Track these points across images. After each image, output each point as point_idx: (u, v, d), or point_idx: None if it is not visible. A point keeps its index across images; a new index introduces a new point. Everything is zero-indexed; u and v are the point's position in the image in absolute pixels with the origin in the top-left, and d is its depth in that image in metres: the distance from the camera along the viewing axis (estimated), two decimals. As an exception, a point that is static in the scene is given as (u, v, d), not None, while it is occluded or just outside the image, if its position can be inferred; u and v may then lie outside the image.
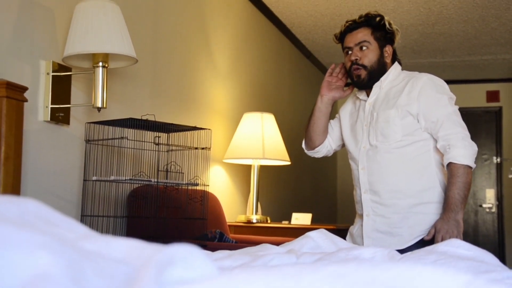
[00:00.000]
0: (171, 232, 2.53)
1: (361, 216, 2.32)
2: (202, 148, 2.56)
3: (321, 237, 1.55)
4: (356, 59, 2.29)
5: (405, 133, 2.22)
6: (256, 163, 3.79)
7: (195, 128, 2.56)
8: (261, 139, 3.63)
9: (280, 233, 3.61)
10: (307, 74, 5.92)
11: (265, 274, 0.51)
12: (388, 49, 2.32)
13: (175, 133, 2.65)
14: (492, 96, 6.83)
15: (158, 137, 2.48)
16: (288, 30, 5.22)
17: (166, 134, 2.64)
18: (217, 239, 2.83)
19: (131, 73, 2.86)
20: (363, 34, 2.30)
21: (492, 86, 6.82)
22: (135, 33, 2.72)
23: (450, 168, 2.13)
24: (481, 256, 1.08)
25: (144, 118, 2.37)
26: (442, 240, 2.06)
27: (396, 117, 2.22)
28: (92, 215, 2.39)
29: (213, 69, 3.74)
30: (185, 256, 0.52)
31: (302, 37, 5.43)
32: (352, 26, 2.33)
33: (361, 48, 2.29)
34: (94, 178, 2.38)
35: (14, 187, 2.02)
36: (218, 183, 3.72)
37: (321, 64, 6.25)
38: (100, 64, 2.29)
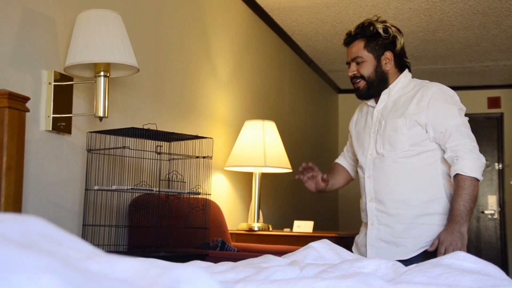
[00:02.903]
0: (173, 241, 2.52)
1: (366, 224, 2.32)
2: (204, 157, 2.56)
3: (325, 248, 1.55)
4: (354, 74, 2.32)
5: (412, 143, 2.21)
6: (257, 171, 3.79)
7: (196, 137, 2.55)
8: (262, 147, 3.63)
9: (282, 241, 3.60)
10: (308, 81, 5.92)
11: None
12: (388, 55, 2.30)
13: (176, 142, 2.64)
14: (493, 102, 6.83)
15: (160, 146, 2.48)
16: (289, 38, 5.23)
17: (168, 143, 2.63)
18: (219, 247, 2.82)
19: (132, 82, 2.86)
20: (357, 49, 2.31)
21: (493, 93, 6.82)
22: (136, 43, 2.72)
23: (456, 180, 2.12)
24: (487, 269, 1.08)
25: (145, 127, 2.37)
26: (445, 252, 2.04)
27: (404, 127, 2.21)
28: (93, 225, 2.38)
29: (214, 77, 3.74)
30: (191, 278, 0.52)
31: (303, 44, 5.43)
32: (347, 40, 2.36)
33: (357, 62, 2.31)
34: (96, 187, 2.37)
35: (16, 197, 2.01)
36: (219, 191, 3.72)
37: (322, 71, 6.26)
38: (102, 73, 2.29)
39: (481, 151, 2.20)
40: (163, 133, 2.44)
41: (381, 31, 2.28)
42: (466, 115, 2.30)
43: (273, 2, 4.42)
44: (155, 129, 2.39)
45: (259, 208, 3.79)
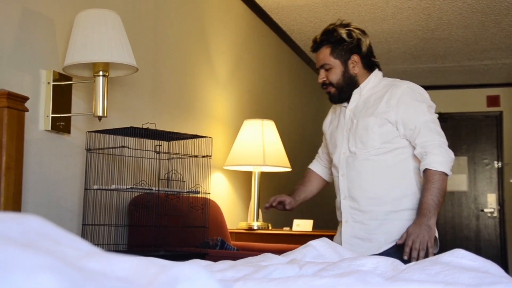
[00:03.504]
0: (172, 240, 2.53)
1: (341, 223, 2.35)
2: (203, 156, 2.56)
3: (324, 246, 1.55)
4: (323, 81, 2.37)
5: (383, 141, 2.25)
6: (256, 170, 3.79)
7: (195, 136, 2.55)
8: (261, 146, 3.63)
9: (281, 240, 3.60)
10: (307, 80, 5.92)
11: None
12: (355, 59, 2.33)
13: (175, 141, 2.64)
14: (493, 100, 6.84)
15: (159, 145, 2.48)
16: (288, 37, 5.23)
17: (167, 142, 2.64)
18: (219, 246, 2.82)
19: (131, 82, 2.86)
20: (323, 56, 2.35)
21: (492, 91, 6.82)
22: (135, 42, 2.72)
23: (425, 175, 2.16)
24: (485, 266, 1.08)
25: (144, 126, 2.37)
26: (413, 243, 2.09)
27: (375, 125, 2.25)
28: (93, 224, 2.39)
29: (213, 77, 3.74)
30: (190, 276, 0.52)
31: (302, 43, 5.43)
32: (314, 47, 2.40)
33: (325, 69, 2.36)
34: (95, 187, 2.38)
35: (15, 197, 2.01)
36: (219, 190, 3.72)
37: (321, 70, 6.25)
38: (101, 73, 2.29)
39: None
40: (162, 132, 2.44)
41: (345, 36, 2.32)
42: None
43: (272, 1, 4.42)
44: (154, 128, 2.39)
45: (258, 207, 3.79)
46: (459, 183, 6.77)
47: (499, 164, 6.71)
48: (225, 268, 1.23)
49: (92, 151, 2.39)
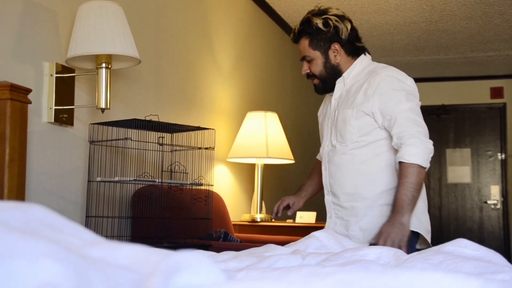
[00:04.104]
0: (176, 232, 2.53)
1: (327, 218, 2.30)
2: (206, 148, 2.56)
3: (327, 237, 1.55)
4: (307, 73, 2.30)
5: (361, 134, 2.15)
6: (260, 162, 3.79)
7: (198, 128, 2.55)
8: (264, 138, 3.63)
9: (284, 232, 3.60)
10: (310, 72, 5.90)
11: (274, 283, 0.50)
12: (335, 47, 2.22)
13: (178, 133, 2.64)
14: (496, 92, 6.81)
15: (162, 137, 2.48)
16: (291, 28, 5.21)
17: (170, 135, 2.64)
18: (222, 238, 2.83)
19: (134, 74, 2.86)
20: (303, 47, 2.28)
21: (496, 83, 6.80)
22: (137, 34, 2.72)
23: (400, 168, 2.04)
24: (488, 256, 1.08)
25: (147, 118, 2.37)
26: (384, 243, 1.95)
27: (352, 118, 2.15)
28: (96, 216, 2.39)
29: (216, 69, 3.74)
30: (192, 263, 0.52)
31: (305, 35, 5.41)
32: (293, 39, 2.31)
33: (307, 60, 2.28)
34: (99, 179, 2.38)
35: (19, 189, 2.02)
36: (222, 182, 3.72)
37: (324, 62, 6.24)
38: (103, 65, 2.29)
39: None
40: (165, 124, 2.44)
41: (321, 25, 2.21)
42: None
43: (274, -7, 4.41)
44: (157, 120, 2.39)
45: (261, 199, 3.80)
46: (463, 175, 6.76)
47: (503, 156, 6.69)
48: (228, 259, 1.23)
49: (95, 143, 2.39)
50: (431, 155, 2.06)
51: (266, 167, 4.00)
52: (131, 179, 2.36)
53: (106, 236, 2.41)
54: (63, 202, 2.40)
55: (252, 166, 3.94)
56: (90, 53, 2.22)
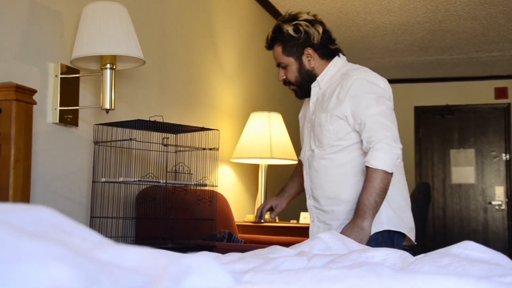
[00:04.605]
0: (180, 233, 2.53)
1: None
2: (210, 149, 2.56)
3: (332, 239, 1.55)
4: (283, 79, 2.30)
5: (337, 138, 2.15)
6: (264, 163, 3.79)
7: (203, 129, 2.55)
8: (268, 139, 3.63)
9: (288, 233, 3.60)
10: (314, 72, 5.90)
11: (284, 286, 0.50)
12: (308, 52, 2.21)
13: (183, 134, 2.65)
14: (500, 92, 6.80)
15: (166, 138, 2.48)
16: (295, 29, 5.21)
17: (174, 135, 2.64)
18: (226, 239, 2.83)
19: (138, 74, 2.86)
20: (277, 54, 2.28)
21: (500, 83, 6.78)
22: (142, 35, 2.72)
23: (366, 172, 2.04)
24: (495, 258, 1.07)
25: (152, 119, 2.37)
26: None
27: (327, 122, 2.15)
28: (101, 217, 2.40)
29: (220, 69, 3.74)
30: (201, 266, 0.52)
31: (309, 35, 5.41)
32: (267, 46, 2.31)
33: (282, 67, 2.28)
34: (103, 179, 2.38)
35: (24, 190, 2.02)
36: (226, 183, 3.72)
37: (327, 62, 6.23)
38: (108, 66, 2.29)
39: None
40: (169, 125, 2.44)
41: (291, 32, 2.20)
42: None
43: (278, -7, 4.40)
44: (162, 121, 2.39)
45: (265, 199, 3.80)
46: (467, 175, 6.75)
47: (507, 157, 6.68)
48: (234, 260, 1.23)
49: (100, 143, 2.39)
50: (399, 160, 2.05)
51: (270, 167, 4.00)
52: (135, 179, 2.36)
53: (111, 237, 2.41)
54: (67, 202, 2.41)
55: (256, 166, 3.94)
56: (94, 54, 2.23)
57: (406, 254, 1.22)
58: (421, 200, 4.03)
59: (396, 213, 2.12)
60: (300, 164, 2.54)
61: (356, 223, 2.00)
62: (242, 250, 1.92)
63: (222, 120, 3.74)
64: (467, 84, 6.79)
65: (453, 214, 6.82)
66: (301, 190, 2.49)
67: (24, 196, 2.03)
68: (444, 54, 5.96)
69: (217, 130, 2.59)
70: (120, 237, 2.48)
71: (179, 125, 2.49)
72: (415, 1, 4.54)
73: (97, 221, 2.38)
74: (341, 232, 2.00)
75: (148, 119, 2.36)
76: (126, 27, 2.27)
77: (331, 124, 2.14)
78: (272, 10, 4.67)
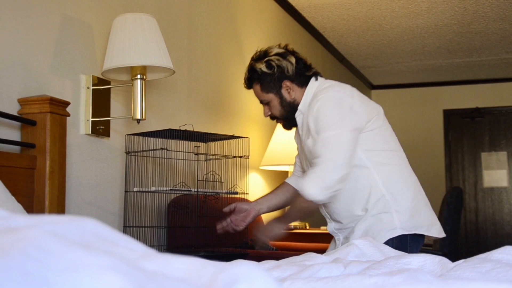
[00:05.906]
0: (212, 241, 2.54)
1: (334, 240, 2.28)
2: (241, 157, 2.56)
3: (367, 245, 1.53)
4: (269, 115, 2.29)
5: None
6: (292, 169, 3.78)
7: (233, 137, 2.56)
8: (297, 145, 3.62)
9: (319, 239, 3.58)
10: (340, 78, 5.88)
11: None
12: (286, 84, 2.20)
13: (212, 142, 2.66)
14: (532, 94, 6.67)
15: (198, 146, 2.50)
16: (321, 35, 5.20)
17: (204, 144, 2.65)
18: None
19: (167, 84, 2.89)
20: (257, 93, 2.27)
21: (531, 84, 6.66)
22: (170, 44, 2.75)
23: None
24: (538, 264, 1.05)
25: (182, 128, 2.39)
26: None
27: (313, 147, 2.10)
28: (133, 226, 2.42)
29: (247, 77, 3.75)
30: (248, 276, 0.52)
31: (335, 41, 5.40)
32: (246, 86, 2.31)
33: (265, 104, 2.27)
34: (135, 189, 2.41)
35: (59, 200, 2.06)
36: (256, 190, 3.73)
37: (354, 67, 6.21)
38: (138, 76, 2.32)
39: None
40: (199, 133, 2.46)
41: (265, 69, 2.20)
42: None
43: (304, 0, 4.41)
44: (192, 130, 2.41)
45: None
46: (499, 178, 6.62)
47: (540, 159, 6.54)
48: (270, 268, 1.23)
49: (131, 153, 2.42)
50: (330, 187, 2.01)
51: (299, 174, 3.98)
52: (167, 188, 2.38)
53: (144, 246, 2.43)
54: (101, 212, 2.44)
55: (285, 173, 3.93)
56: (125, 65, 2.25)
57: (444, 260, 1.20)
58: (452, 204, 3.97)
59: (408, 215, 2.10)
60: (286, 184, 2.50)
61: (256, 208, 2.33)
62: (275, 257, 1.92)
63: (251, 128, 3.75)
64: (497, 86, 6.68)
65: (486, 218, 6.69)
66: (282, 204, 2.50)
67: (59, 207, 2.06)
68: (473, 56, 5.88)
69: (247, 138, 2.60)
70: (153, 246, 2.50)
71: (209, 133, 2.50)
72: (442, 4, 4.49)
73: (130, 230, 2.41)
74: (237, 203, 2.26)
75: (178, 128, 2.38)
76: (156, 38, 2.30)
77: None
78: (298, 17, 4.68)
